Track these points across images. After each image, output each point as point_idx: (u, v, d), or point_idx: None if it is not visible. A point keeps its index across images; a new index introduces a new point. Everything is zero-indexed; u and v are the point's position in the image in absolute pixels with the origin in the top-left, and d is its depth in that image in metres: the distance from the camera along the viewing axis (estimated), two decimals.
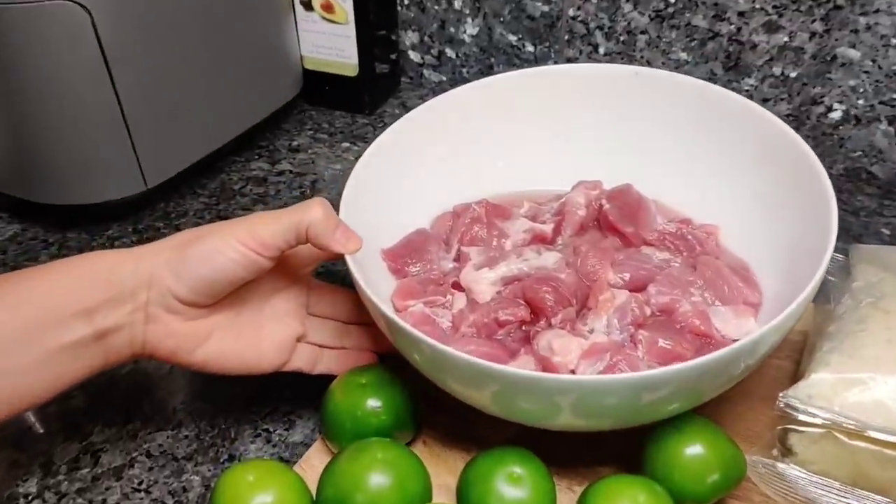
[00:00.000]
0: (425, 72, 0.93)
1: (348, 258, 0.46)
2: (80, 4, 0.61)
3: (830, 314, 0.48)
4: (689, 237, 0.53)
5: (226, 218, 0.73)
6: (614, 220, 0.54)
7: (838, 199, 0.71)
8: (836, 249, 0.48)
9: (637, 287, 0.49)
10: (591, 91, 0.60)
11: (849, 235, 0.69)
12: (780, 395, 0.42)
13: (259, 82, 0.81)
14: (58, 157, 0.68)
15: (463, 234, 0.54)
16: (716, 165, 0.57)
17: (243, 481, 0.42)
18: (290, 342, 0.50)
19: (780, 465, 0.43)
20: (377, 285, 0.48)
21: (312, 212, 0.45)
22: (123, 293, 0.44)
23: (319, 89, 0.88)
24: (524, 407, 0.42)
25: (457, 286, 0.52)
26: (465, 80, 0.89)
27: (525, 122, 0.61)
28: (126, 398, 0.57)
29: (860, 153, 0.74)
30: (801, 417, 0.41)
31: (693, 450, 0.42)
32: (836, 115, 0.73)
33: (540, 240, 0.55)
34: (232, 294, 0.47)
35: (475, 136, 0.61)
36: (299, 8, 0.82)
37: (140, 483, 0.51)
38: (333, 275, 0.60)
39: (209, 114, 0.75)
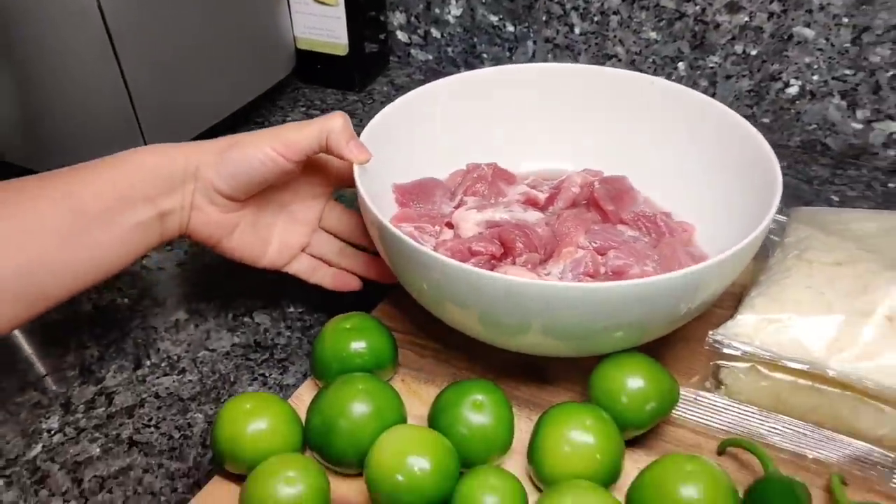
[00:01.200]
0: (412, 51, 0.98)
1: (356, 174, 0.52)
2: None
3: (764, 266, 0.53)
4: (661, 224, 0.58)
5: None
6: (599, 197, 0.60)
7: (794, 170, 0.77)
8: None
9: (602, 251, 0.55)
10: (608, 92, 0.64)
11: (801, 202, 0.74)
12: (710, 332, 0.48)
13: (255, 61, 0.86)
14: (65, 130, 0.74)
15: (468, 187, 0.61)
16: (697, 170, 0.60)
17: (241, 409, 0.48)
18: (295, 247, 0.59)
19: (711, 396, 0.49)
20: (380, 209, 0.52)
21: (334, 121, 0.53)
22: (176, 184, 0.53)
23: (311, 68, 0.93)
24: (497, 314, 0.47)
25: (449, 225, 0.58)
26: (450, 59, 0.96)
27: (540, 112, 0.66)
28: (136, 348, 0.62)
29: (815, 126, 0.79)
30: (727, 351, 0.47)
31: (635, 382, 0.48)
32: (792, 90, 0.79)
33: (532, 203, 0.61)
34: (259, 195, 0.56)
35: (501, 115, 0.66)
36: None
37: (150, 420, 0.57)
38: (351, 203, 0.66)
39: (208, 90, 0.80)
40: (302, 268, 0.60)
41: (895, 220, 0.54)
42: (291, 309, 0.65)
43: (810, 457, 0.47)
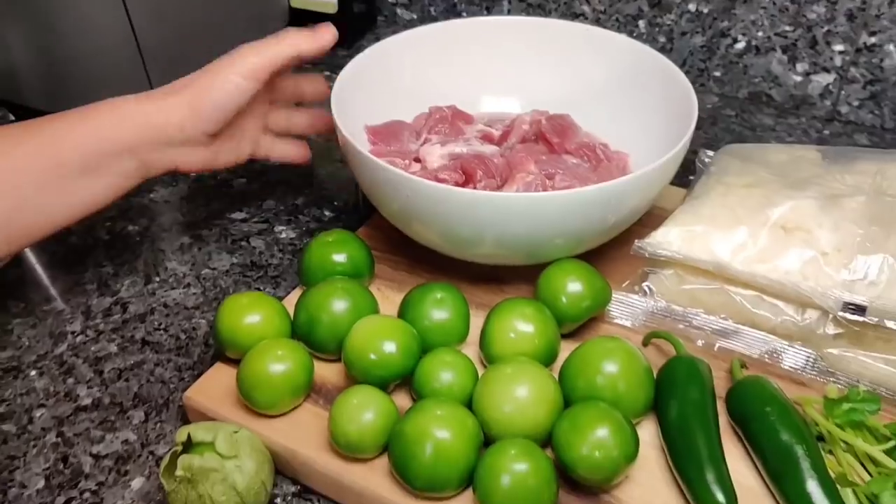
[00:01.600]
0: (398, 10, 1.06)
1: (335, 114, 0.60)
2: None
3: (691, 192, 0.62)
4: (600, 153, 0.66)
5: None
6: (546, 131, 0.68)
7: (741, 119, 0.85)
8: None
9: (550, 176, 0.63)
10: (551, 40, 0.72)
11: None
12: (636, 241, 0.56)
13: (252, 18, 0.94)
14: (79, 74, 0.82)
15: (431, 127, 0.69)
16: (630, 106, 0.68)
17: (239, 304, 0.56)
18: (259, 135, 0.67)
19: (638, 297, 0.58)
20: None
21: (290, 37, 0.60)
22: (160, 135, 0.58)
23: (303, 25, 1.00)
24: (456, 225, 0.55)
25: (417, 160, 0.66)
26: (433, 18, 1.03)
27: (494, 60, 0.74)
28: (146, 266, 0.71)
29: (760, 79, 0.87)
30: (648, 256, 0.55)
31: (573, 284, 0.56)
32: (740, 45, 0.86)
33: (488, 139, 0.69)
34: (235, 120, 0.62)
35: (460, 64, 0.74)
36: None
37: (160, 325, 0.65)
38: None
39: (210, 46, 0.88)
40: (264, 150, 0.68)
41: (803, 151, 0.62)
42: (283, 235, 0.74)
43: (718, 346, 0.56)
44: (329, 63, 0.99)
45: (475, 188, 0.61)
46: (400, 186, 0.56)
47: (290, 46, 0.60)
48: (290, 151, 0.69)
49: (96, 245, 0.73)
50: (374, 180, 0.58)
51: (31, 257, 0.72)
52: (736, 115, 0.87)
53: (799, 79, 0.85)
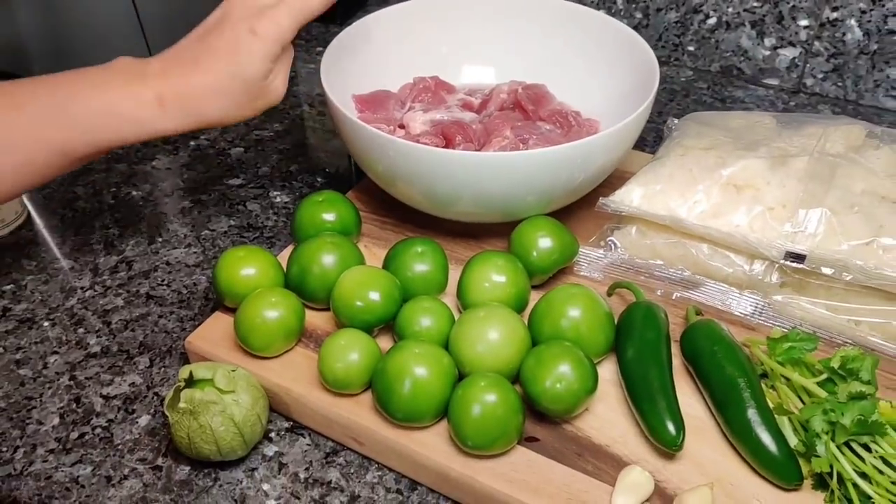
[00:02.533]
0: None
1: (325, 85, 0.64)
2: None
3: (655, 156, 0.66)
4: (572, 119, 0.71)
5: None
6: (521, 99, 0.73)
7: (713, 91, 0.90)
8: None
9: (524, 141, 0.68)
10: (529, 14, 0.77)
11: None
12: (601, 198, 0.61)
13: None
14: (87, 54, 0.86)
15: (415, 96, 0.74)
16: (600, 76, 0.73)
17: (236, 256, 0.61)
18: None
19: (603, 252, 0.63)
20: None
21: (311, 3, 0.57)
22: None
23: None
24: (436, 184, 0.60)
25: (401, 126, 0.71)
26: None
27: (474, 33, 0.78)
28: (149, 228, 0.76)
29: (731, 53, 0.92)
30: (611, 212, 0.60)
31: (543, 239, 0.61)
32: (712, 21, 0.91)
33: (468, 108, 0.74)
34: None
35: (441, 38, 0.78)
36: None
37: (163, 281, 0.70)
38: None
39: (205, 13, 0.92)
40: None
41: (759, 117, 0.67)
42: (278, 199, 0.79)
43: (676, 295, 0.61)
44: (321, 39, 1.04)
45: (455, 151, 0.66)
46: (385, 148, 0.61)
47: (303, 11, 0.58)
48: None
49: (102, 209, 0.78)
50: (362, 143, 0.63)
51: (42, 220, 0.77)
52: (708, 87, 0.92)
53: (767, 53, 0.89)
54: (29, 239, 0.75)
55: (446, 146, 0.67)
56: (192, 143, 0.86)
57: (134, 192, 0.80)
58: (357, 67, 0.74)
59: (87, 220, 0.77)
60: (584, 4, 0.93)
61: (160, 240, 0.74)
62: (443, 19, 0.78)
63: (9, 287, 0.70)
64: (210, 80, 0.56)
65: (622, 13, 0.95)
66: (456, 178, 0.59)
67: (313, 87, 0.96)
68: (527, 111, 0.70)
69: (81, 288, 0.70)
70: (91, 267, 0.72)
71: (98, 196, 0.80)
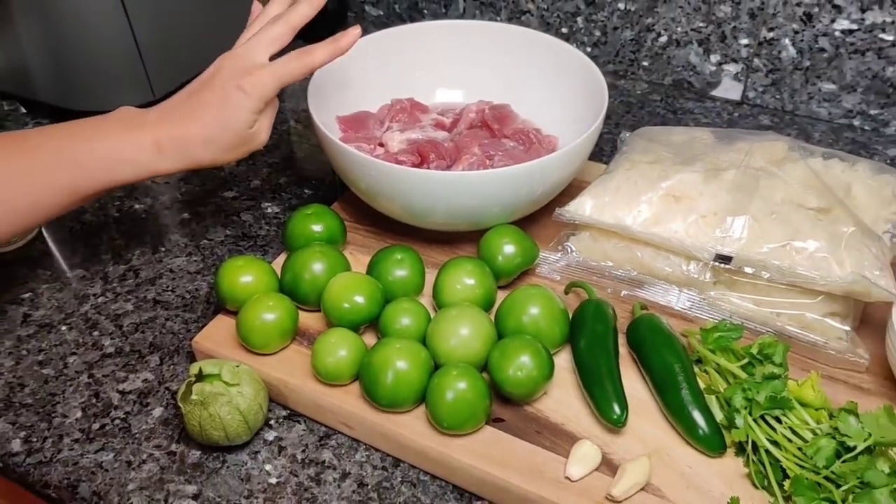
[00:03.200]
0: (367, 7, 1.17)
1: (311, 108, 0.72)
2: None
3: (606, 168, 0.75)
4: (533, 137, 0.79)
5: None
6: (488, 119, 0.81)
7: (665, 103, 0.99)
8: None
9: (490, 157, 0.76)
10: (494, 40, 0.85)
11: None
12: (557, 209, 0.69)
13: (236, 16, 1.05)
14: (87, 75, 0.93)
15: (392, 116, 0.82)
16: (558, 97, 0.82)
17: (235, 266, 0.69)
18: None
19: (560, 256, 0.71)
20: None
21: (317, 56, 0.66)
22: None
23: None
24: (412, 199, 0.68)
25: (381, 144, 0.79)
26: (397, 14, 1.15)
27: (445, 57, 0.86)
28: (153, 238, 0.83)
29: (681, 68, 1.00)
30: (566, 221, 0.69)
31: (508, 245, 0.69)
32: (663, 39, 0.99)
33: (441, 127, 0.82)
34: None
35: (416, 62, 0.86)
36: None
37: (167, 287, 0.78)
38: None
39: (201, 40, 1.00)
40: None
41: (698, 133, 0.75)
42: (269, 210, 0.86)
43: (623, 293, 0.69)
44: None
45: (429, 168, 0.74)
46: (366, 168, 0.69)
47: (312, 60, 0.67)
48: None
49: (108, 222, 0.85)
50: (346, 164, 0.71)
51: (53, 233, 0.84)
52: (661, 99, 1.01)
53: (713, 68, 0.98)
54: (42, 251, 0.82)
55: (421, 163, 0.75)
56: None
57: (136, 206, 0.87)
58: (340, 91, 0.81)
59: (94, 233, 0.84)
60: (549, 23, 1.02)
61: (163, 249, 0.82)
62: (417, 46, 0.86)
63: (27, 295, 0.77)
64: (202, 129, 0.65)
65: (582, 31, 1.03)
66: (430, 194, 0.67)
67: (299, 102, 1.03)
68: (493, 129, 0.78)
69: (94, 295, 0.77)
70: (101, 275, 0.79)
71: (104, 210, 0.87)
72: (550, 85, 0.82)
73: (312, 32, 1.13)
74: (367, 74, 0.84)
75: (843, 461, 0.52)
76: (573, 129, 0.76)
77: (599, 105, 0.73)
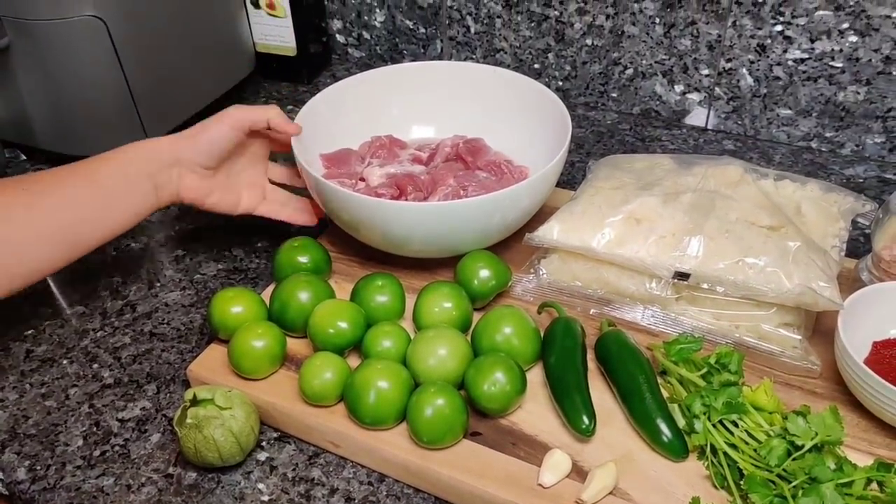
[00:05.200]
0: (349, 50, 1.23)
1: (294, 148, 0.77)
2: (97, 17, 0.90)
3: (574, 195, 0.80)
4: (504, 168, 0.84)
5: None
6: (462, 152, 0.86)
7: (634, 132, 1.04)
8: None
9: (464, 187, 0.81)
10: (467, 79, 0.91)
11: None
12: (527, 234, 0.74)
13: (224, 63, 1.11)
14: (83, 122, 0.98)
15: (373, 152, 0.87)
16: (528, 130, 0.87)
17: (226, 297, 0.73)
18: (258, 194, 0.83)
19: (533, 277, 0.75)
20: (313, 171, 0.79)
21: (271, 111, 0.78)
22: (164, 165, 0.76)
23: (269, 66, 1.18)
24: (390, 230, 0.73)
25: (362, 179, 0.84)
26: (379, 55, 1.21)
27: (421, 96, 0.92)
28: (149, 274, 0.87)
29: (648, 98, 1.06)
30: (535, 244, 0.73)
31: (483, 270, 0.73)
32: (629, 72, 1.05)
33: (418, 161, 0.87)
34: (225, 163, 0.79)
35: (394, 100, 0.92)
36: (250, 7, 1.12)
37: (163, 320, 0.82)
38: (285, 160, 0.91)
39: (190, 87, 1.05)
40: (267, 209, 0.84)
41: (659, 159, 0.80)
42: (259, 245, 0.91)
43: (592, 311, 0.73)
44: (290, 98, 1.17)
45: (407, 199, 0.79)
46: (347, 202, 0.73)
47: (265, 113, 0.78)
48: (296, 216, 0.85)
49: (105, 260, 0.90)
50: (328, 198, 0.75)
51: (54, 273, 0.88)
52: (630, 128, 1.06)
53: (678, 97, 1.03)
54: (43, 289, 0.86)
55: (399, 195, 0.80)
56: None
57: (132, 244, 0.92)
58: (323, 130, 0.87)
59: (93, 271, 0.88)
60: (522, 60, 1.08)
61: (158, 284, 0.86)
62: (394, 85, 0.91)
63: (30, 332, 0.81)
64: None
65: (554, 66, 1.09)
66: (407, 224, 0.72)
67: None
68: (467, 162, 0.84)
69: (93, 329, 0.81)
70: (100, 311, 0.83)
71: (101, 249, 0.90)
72: (519, 118, 0.87)
73: (296, 77, 1.19)
74: (347, 114, 0.90)
75: (794, 459, 0.56)
76: (543, 159, 0.80)
77: (564, 135, 0.78)
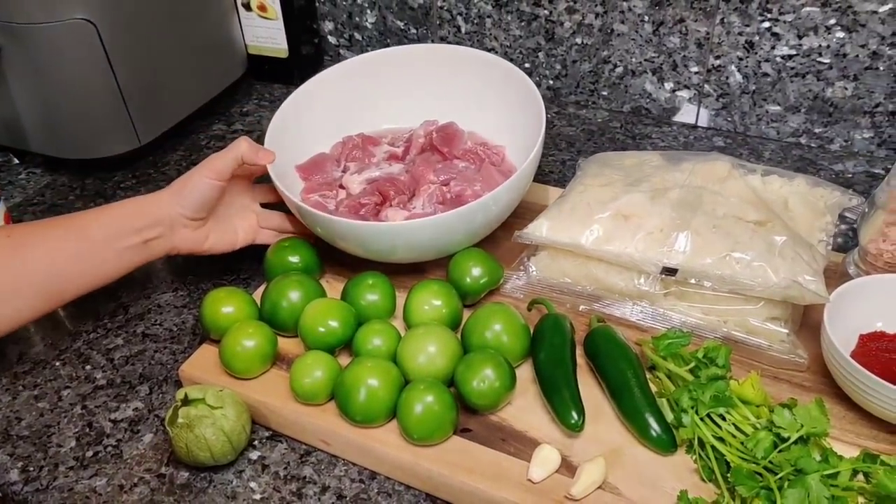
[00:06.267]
0: (341, 51, 1.24)
1: (269, 169, 0.77)
2: (88, 21, 0.91)
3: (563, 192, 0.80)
4: (481, 152, 0.85)
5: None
6: (436, 143, 0.87)
7: (625, 129, 1.04)
8: None
9: (446, 183, 0.82)
10: (436, 61, 0.91)
11: None
12: (516, 232, 0.74)
13: (216, 65, 1.11)
14: (76, 126, 0.98)
15: (347, 155, 0.87)
16: (502, 109, 0.87)
17: (217, 297, 0.73)
18: (252, 225, 0.82)
19: (523, 274, 0.76)
20: (293, 188, 0.79)
21: (241, 146, 0.77)
22: (154, 221, 0.74)
23: (261, 68, 1.18)
24: (372, 246, 0.74)
25: (342, 187, 0.84)
26: None
27: (388, 84, 0.92)
28: (141, 275, 0.87)
29: (638, 96, 1.06)
30: (524, 241, 0.73)
31: (475, 268, 0.74)
32: (619, 70, 1.05)
33: (395, 158, 0.88)
34: (213, 209, 0.78)
35: (361, 95, 0.92)
36: (242, 10, 1.12)
37: (156, 321, 0.82)
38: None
39: (182, 88, 1.05)
40: (265, 237, 0.83)
41: (648, 156, 0.81)
42: (249, 247, 0.91)
43: (581, 307, 0.74)
44: (283, 99, 1.17)
45: (391, 205, 0.79)
46: (325, 224, 0.74)
47: (237, 150, 0.76)
48: (295, 230, 0.83)
49: None
50: (310, 222, 0.76)
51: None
52: (621, 126, 1.06)
53: (668, 95, 1.04)
54: None
55: (383, 202, 0.80)
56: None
57: None
58: (293, 139, 0.86)
59: None
60: (512, 59, 1.08)
61: (151, 286, 0.86)
62: (357, 80, 0.91)
63: (23, 334, 0.81)
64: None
65: (544, 65, 1.09)
66: (387, 240, 0.73)
67: None
68: (443, 153, 0.84)
69: (85, 331, 0.81)
70: (93, 313, 0.83)
71: None
72: (493, 98, 0.87)
73: (289, 78, 1.19)
74: (314, 118, 0.90)
75: (780, 451, 0.56)
76: (518, 135, 0.81)
77: (537, 114, 0.78)
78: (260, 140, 1.01)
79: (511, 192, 0.74)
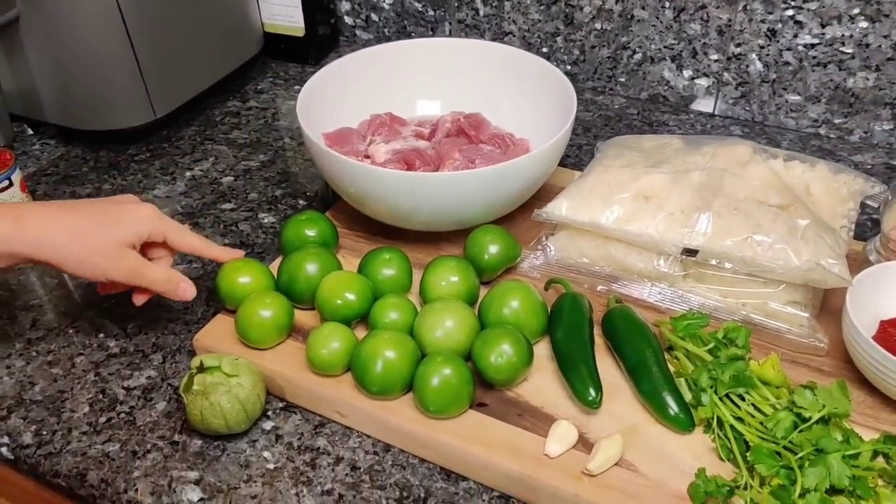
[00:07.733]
0: (357, 31, 1.23)
1: (302, 126, 0.77)
2: None
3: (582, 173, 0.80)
4: (507, 140, 0.84)
5: (212, 139, 1.05)
6: (464, 126, 0.86)
7: (642, 117, 1.04)
8: None
9: (471, 161, 0.81)
10: (466, 55, 0.91)
11: None
12: (536, 210, 0.74)
13: (232, 42, 1.11)
14: (92, 96, 0.98)
15: (373, 130, 0.87)
16: (528, 103, 0.88)
17: (234, 267, 0.73)
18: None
19: (541, 253, 0.75)
20: None
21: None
22: None
23: (276, 47, 1.18)
24: (400, 200, 0.73)
25: (366, 157, 0.84)
26: (387, 38, 1.21)
27: (420, 73, 0.92)
28: None
29: (656, 83, 1.06)
30: (544, 220, 0.73)
31: (493, 244, 0.74)
32: (638, 56, 1.05)
33: (421, 137, 0.87)
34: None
35: (393, 79, 0.92)
36: None
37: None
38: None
39: (199, 64, 1.05)
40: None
41: (668, 140, 0.80)
42: (266, 220, 0.91)
43: (599, 287, 0.73)
44: (298, 78, 1.17)
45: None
46: (356, 174, 0.73)
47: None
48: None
49: None
50: (336, 171, 0.75)
51: None
52: (638, 113, 1.06)
53: (686, 82, 1.03)
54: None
55: (408, 170, 0.80)
56: (187, 173, 0.99)
57: None
58: (324, 109, 0.86)
59: None
60: (531, 43, 1.08)
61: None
62: (392, 64, 0.92)
63: (35, 302, 0.81)
64: (73, 218, 0.67)
65: (562, 50, 1.09)
66: (416, 196, 0.72)
67: (293, 121, 1.08)
68: (470, 136, 0.84)
69: (98, 301, 0.81)
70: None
71: None
72: (521, 93, 0.87)
73: (304, 58, 1.18)
74: (348, 92, 0.89)
75: (800, 431, 0.56)
76: (544, 132, 0.81)
77: (568, 109, 0.78)
78: (274, 119, 1.01)
79: (544, 160, 0.74)
